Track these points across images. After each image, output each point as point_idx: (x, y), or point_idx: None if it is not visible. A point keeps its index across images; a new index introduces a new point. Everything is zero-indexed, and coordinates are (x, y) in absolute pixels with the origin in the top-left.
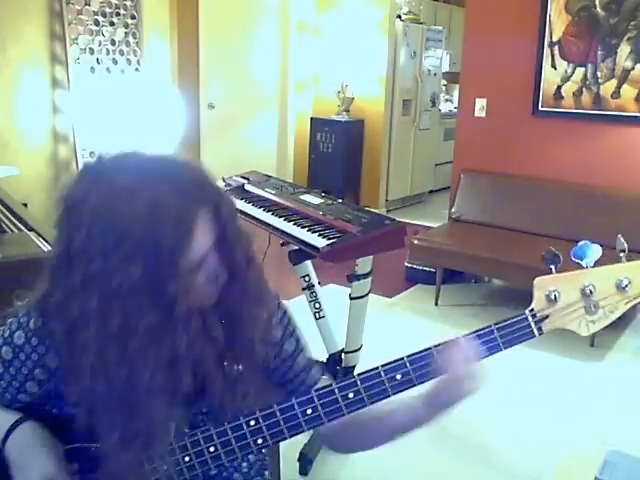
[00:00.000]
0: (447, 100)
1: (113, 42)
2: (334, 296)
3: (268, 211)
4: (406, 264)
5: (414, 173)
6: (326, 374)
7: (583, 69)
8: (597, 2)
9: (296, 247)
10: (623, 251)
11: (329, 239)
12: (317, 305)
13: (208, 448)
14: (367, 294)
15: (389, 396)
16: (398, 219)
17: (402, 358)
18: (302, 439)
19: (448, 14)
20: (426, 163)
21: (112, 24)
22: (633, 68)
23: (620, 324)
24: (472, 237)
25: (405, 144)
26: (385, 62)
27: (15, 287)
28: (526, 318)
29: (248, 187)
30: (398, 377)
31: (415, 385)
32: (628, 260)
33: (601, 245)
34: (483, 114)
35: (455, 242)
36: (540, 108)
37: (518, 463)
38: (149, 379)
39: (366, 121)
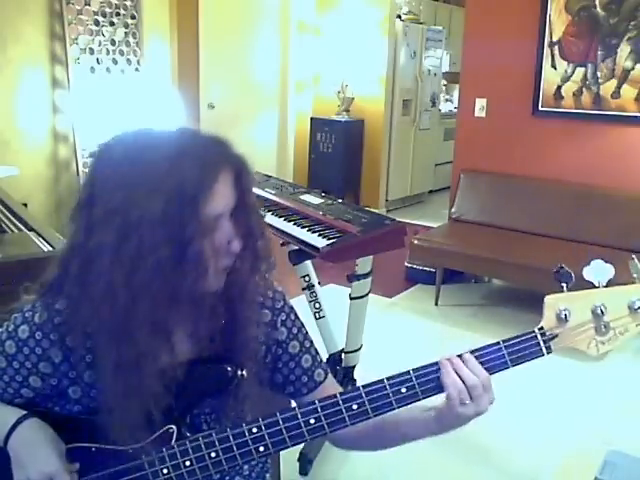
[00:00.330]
0: (447, 100)
1: (113, 42)
2: (334, 296)
3: (268, 211)
4: (406, 264)
5: (414, 173)
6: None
7: (583, 69)
8: (597, 2)
9: (296, 247)
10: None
11: (329, 239)
12: (317, 305)
13: (209, 453)
14: (367, 294)
15: (394, 409)
16: (398, 219)
17: (408, 372)
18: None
19: (448, 14)
20: (426, 163)
21: (112, 24)
22: (633, 68)
23: None
24: (472, 237)
25: (405, 144)
26: (385, 62)
27: (15, 287)
28: (535, 336)
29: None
30: (403, 390)
31: (420, 399)
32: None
33: (601, 245)
34: (483, 114)
35: (455, 242)
36: (540, 108)
37: (518, 463)
38: (147, 311)
39: (366, 121)
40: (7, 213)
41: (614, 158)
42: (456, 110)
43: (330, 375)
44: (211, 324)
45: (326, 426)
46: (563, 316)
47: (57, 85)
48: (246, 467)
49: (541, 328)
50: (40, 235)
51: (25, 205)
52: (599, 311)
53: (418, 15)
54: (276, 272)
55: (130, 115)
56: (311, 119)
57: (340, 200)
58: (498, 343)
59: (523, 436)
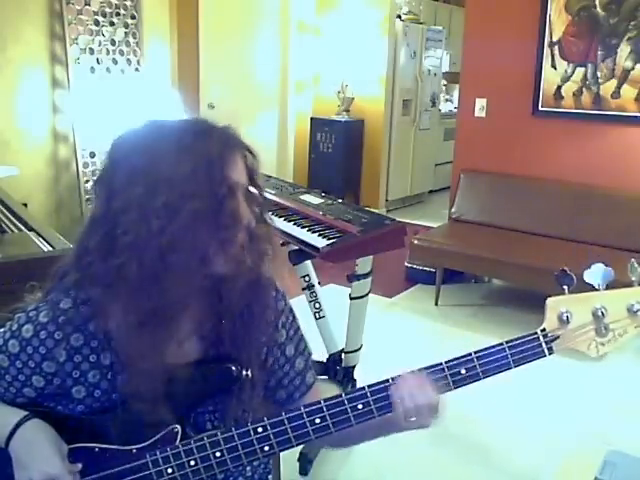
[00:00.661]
0: (447, 100)
1: (113, 42)
2: (334, 296)
3: (268, 211)
4: (406, 264)
5: (414, 173)
6: (324, 381)
7: (583, 69)
8: (597, 2)
9: (296, 247)
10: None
11: (329, 239)
12: (317, 305)
13: (214, 453)
14: (367, 294)
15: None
16: (398, 219)
17: (414, 372)
18: None
19: (448, 14)
20: (426, 163)
21: (112, 24)
22: (633, 68)
23: None
24: (472, 237)
25: (405, 144)
26: (385, 62)
27: (15, 287)
28: (537, 338)
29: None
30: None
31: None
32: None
33: (600, 245)
34: (483, 114)
35: (455, 242)
36: (540, 108)
37: (518, 463)
38: (179, 262)
39: (366, 121)
40: (7, 213)
41: (614, 158)
42: (456, 110)
43: (317, 379)
44: (220, 319)
45: (331, 425)
46: (565, 318)
47: (57, 85)
48: (249, 468)
49: (543, 330)
50: (40, 235)
51: (25, 205)
52: (599, 313)
53: (418, 15)
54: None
55: (130, 115)
56: (311, 119)
57: (340, 200)
58: (501, 344)
59: (523, 436)
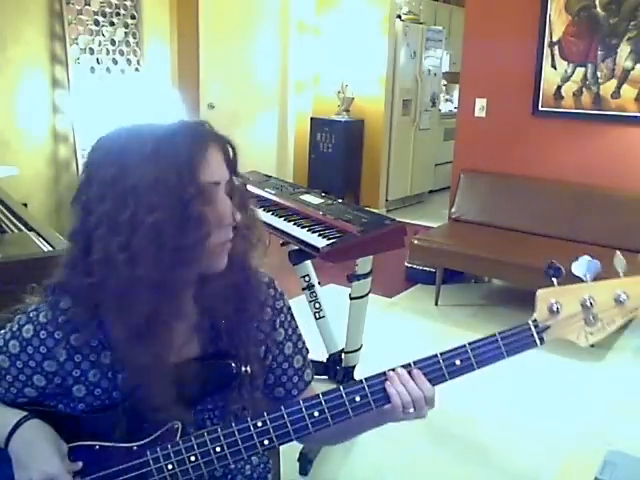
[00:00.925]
0: (447, 100)
1: (113, 42)
2: (334, 296)
3: (268, 211)
4: (406, 264)
5: (414, 173)
6: (315, 383)
7: (583, 69)
8: (597, 2)
9: (296, 247)
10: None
11: (329, 239)
12: (317, 305)
13: (214, 448)
14: (367, 294)
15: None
16: (398, 219)
17: (409, 364)
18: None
19: (448, 14)
20: (426, 163)
21: (112, 24)
22: (633, 68)
23: None
24: (472, 237)
25: (405, 144)
26: (385, 62)
27: (15, 287)
28: (529, 328)
29: (248, 187)
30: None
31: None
32: (626, 275)
33: (600, 245)
34: (483, 114)
35: (455, 242)
36: (540, 108)
37: (518, 463)
38: (148, 275)
39: (366, 121)
40: (7, 213)
41: (614, 158)
42: (456, 110)
43: (314, 375)
44: (217, 316)
45: (330, 418)
46: (555, 309)
47: (57, 85)
48: (248, 467)
49: (534, 320)
50: (40, 235)
51: (25, 205)
52: (588, 303)
53: (418, 15)
54: (276, 272)
55: (130, 115)
56: (311, 119)
57: (340, 200)
58: (494, 335)
59: (523, 436)
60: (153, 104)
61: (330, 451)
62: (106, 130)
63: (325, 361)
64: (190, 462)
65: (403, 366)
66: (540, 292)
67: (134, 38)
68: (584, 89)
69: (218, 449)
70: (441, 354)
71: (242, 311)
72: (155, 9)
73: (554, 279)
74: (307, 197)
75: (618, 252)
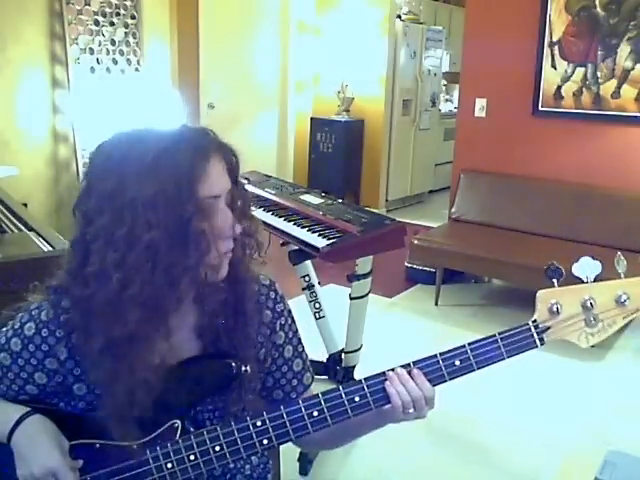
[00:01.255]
0: (447, 100)
1: (113, 42)
2: (334, 296)
3: (268, 211)
4: (406, 264)
5: (414, 173)
6: (313, 385)
7: (583, 69)
8: (597, 2)
9: (296, 247)
10: (622, 270)
11: (329, 239)
12: (317, 305)
13: (214, 447)
14: (367, 294)
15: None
16: (398, 219)
17: (409, 364)
18: None
19: (448, 14)
20: (426, 163)
21: (112, 24)
22: (633, 68)
23: None
24: (472, 237)
25: (405, 144)
26: (385, 62)
27: (15, 287)
28: (529, 328)
29: (248, 187)
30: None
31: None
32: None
33: (600, 245)
34: (483, 114)
35: (455, 242)
36: (540, 108)
37: (518, 463)
38: (140, 293)
39: (366, 121)
40: (7, 213)
41: (614, 158)
42: (456, 110)
43: (314, 378)
44: (216, 317)
45: (329, 418)
46: (555, 309)
47: (57, 85)
48: (247, 467)
49: (534, 321)
50: (40, 235)
51: (25, 205)
52: (588, 304)
53: (418, 15)
54: (276, 272)
55: (130, 115)
56: (311, 119)
57: (340, 200)
58: (494, 335)
59: (523, 436)
60: (153, 104)
61: (330, 451)
62: (107, 134)
63: (325, 361)
64: (189, 461)
65: (402, 366)
66: (540, 293)
67: (134, 38)
68: (584, 89)
69: (217, 448)
70: (441, 354)
71: (240, 313)
72: (155, 9)
73: (554, 280)
74: (307, 197)
75: (619, 253)
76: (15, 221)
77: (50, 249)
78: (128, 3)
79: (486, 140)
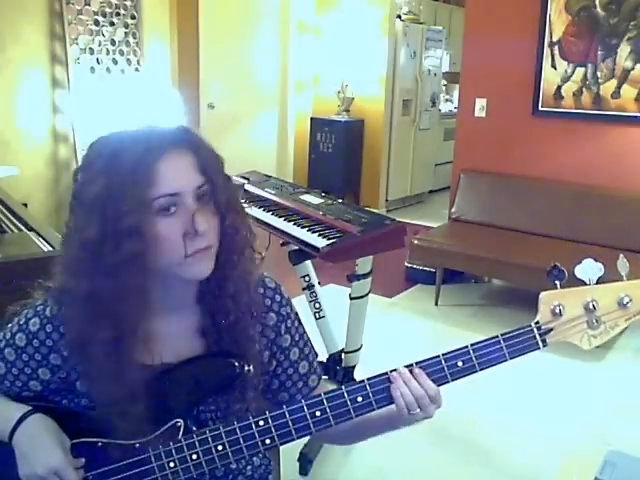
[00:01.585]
0: (447, 100)
1: (113, 42)
2: (334, 296)
3: (268, 211)
4: (406, 264)
5: (414, 173)
6: (325, 382)
7: (583, 69)
8: (597, 2)
9: (296, 247)
10: (624, 272)
11: (329, 239)
12: (317, 305)
13: (216, 446)
14: (367, 294)
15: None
16: (398, 219)
17: (411, 365)
18: (302, 439)
19: (448, 14)
20: (426, 163)
21: (112, 24)
22: (633, 68)
23: None
24: (472, 237)
25: (405, 144)
26: (385, 62)
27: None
28: (532, 330)
29: (248, 187)
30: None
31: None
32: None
33: (600, 245)
34: (483, 114)
35: (455, 242)
36: (540, 108)
37: (518, 463)
38: (111, 289)
39: (366, 121)
40: (7, 213)
41: (614, 158)
42: (456, 110)
43: (322, 381)
44: (218, 316)
45: (332, 418)
46: (557, 311)
47: (57, 85)
48: (249, 467)
49: (537, 322)
50: (40, 235)
51: (25, 205)
52: (591, 306)
53: (418, 15)
54: (276, 272)
55: (130, 115)
56: (311, 119)
57: (340, 200)
58: (497, 337)
59: (523, 436)
60: (153, 104)
61: (330, 451)
62: (105, 134)
63: (325, 361)
64: (192, 460)
65: (405, 367)
66: (543, 294)
67: (134, 38)
68: (584, 89)
69: (220, 447)
70: (443, 355)
71: (241, 312)
72: (155, 9)
73: (557, 282)
74: (307, 197)
75: (621, 255)
76: (15, 221)
77: (50, 249)
78: (128, 3)
79: (486, 140)
